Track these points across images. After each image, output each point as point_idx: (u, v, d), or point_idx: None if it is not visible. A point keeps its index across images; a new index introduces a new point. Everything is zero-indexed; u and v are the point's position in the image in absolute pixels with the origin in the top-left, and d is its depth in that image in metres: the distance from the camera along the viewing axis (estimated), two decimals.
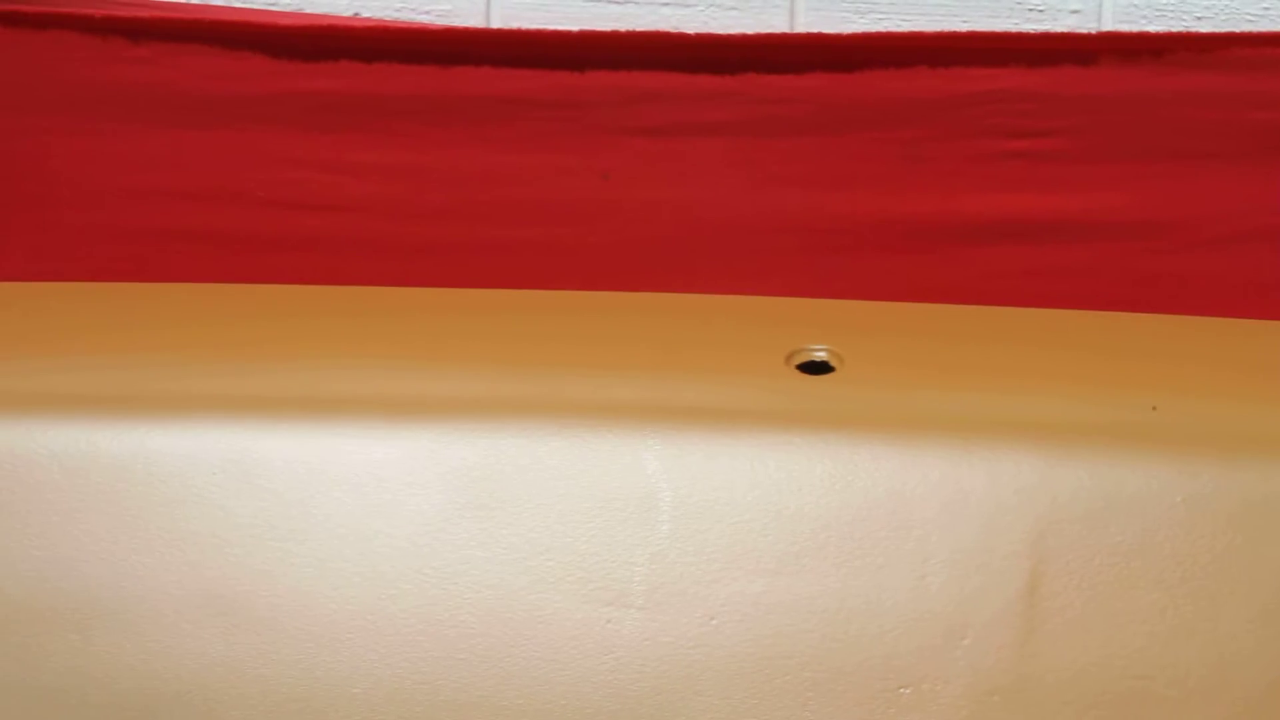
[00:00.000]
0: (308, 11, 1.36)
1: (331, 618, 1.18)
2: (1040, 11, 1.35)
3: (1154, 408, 1.16)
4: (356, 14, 1.35)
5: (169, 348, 1.30)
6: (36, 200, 1.32)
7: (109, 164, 1.33)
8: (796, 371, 1.21)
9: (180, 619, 1.20)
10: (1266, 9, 1.34)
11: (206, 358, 1.28)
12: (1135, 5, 1.36)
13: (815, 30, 1.26)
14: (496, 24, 1.34)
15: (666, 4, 1.34)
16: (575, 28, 1.30)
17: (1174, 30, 1.33)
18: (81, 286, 1.34)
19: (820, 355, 1.22)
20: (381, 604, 1.18)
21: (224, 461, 1.23)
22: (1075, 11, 1.35)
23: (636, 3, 1.34)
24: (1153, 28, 1.34)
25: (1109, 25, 1.35)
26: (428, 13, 1.38)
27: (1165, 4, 1.36)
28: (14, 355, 1.30)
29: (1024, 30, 1.31)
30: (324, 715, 1.17)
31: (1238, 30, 1.32)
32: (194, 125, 1.30)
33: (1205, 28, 1.33)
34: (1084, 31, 1.32)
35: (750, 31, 1.25)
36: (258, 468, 1.23)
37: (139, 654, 1.20)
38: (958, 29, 1.26)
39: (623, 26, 1.30)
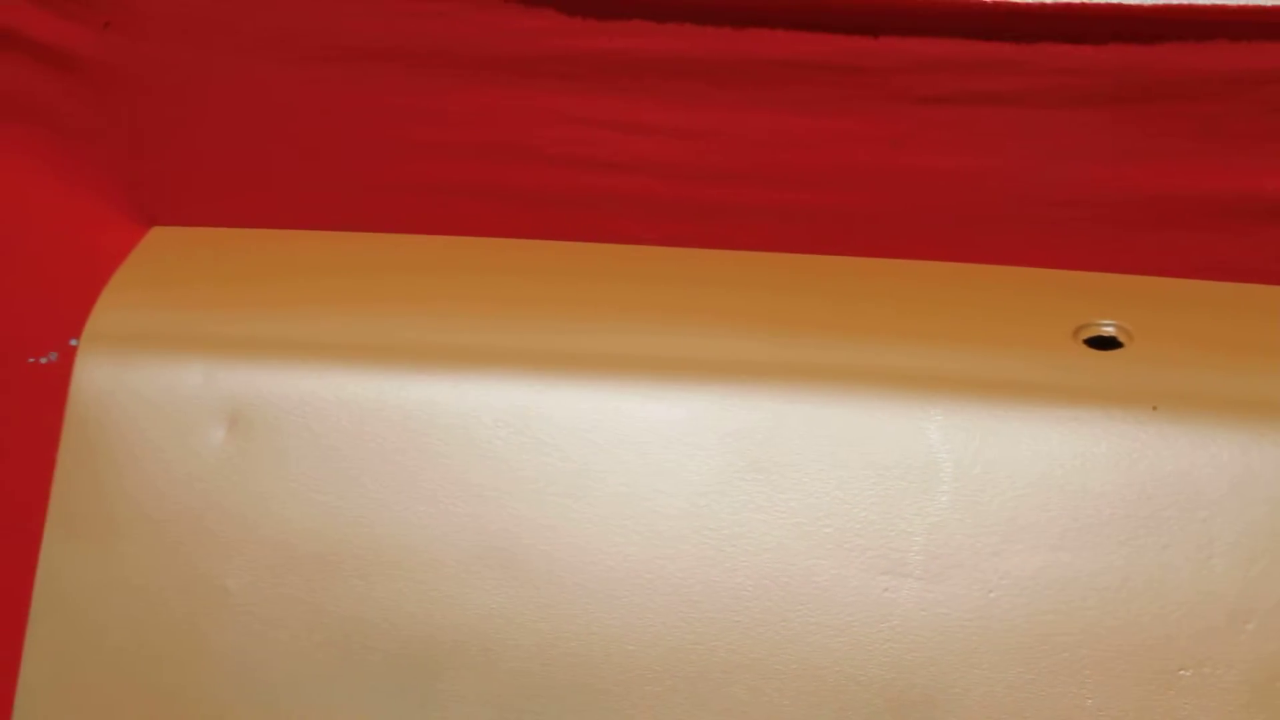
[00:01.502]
0: None
1: (609, 575, 1.19)
2: None
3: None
4: None
5: (455, 301, 1.31)
6: (327, 151, 1.34)
7: (397, 117, 1.34)
8: (1084, 346, 1.20)
9: (460, 570, 1.22)
10: None
11: (492, 312, 1.30)
12: None
13: (1112, 1, 1.24)
14: None
15: None
16: None
17: None
18: (371, 237, 1.36)
19: (1109, 330, 1.20)
20: (659, 563, 1.19)
21: (507, 416, 1.25)
22: None
23: None
24: None
25: None
26: None
27: None
28: (308, 303, 1.32)
29: None
30: (599, 670, 1.18)
31: None
32: (484, 81, 1.31)
33: None
34: None
35: (1047, 1, 1.23)
36: (540, 423, 1.24)
37: (419, 602, 1.22)
38: (1259, 1, 1.22)
39: None
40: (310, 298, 1.33)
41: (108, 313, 1.33)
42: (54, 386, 1.31)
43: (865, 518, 1.17)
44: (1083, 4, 1.19)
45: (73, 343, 1.31)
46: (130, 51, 1.35)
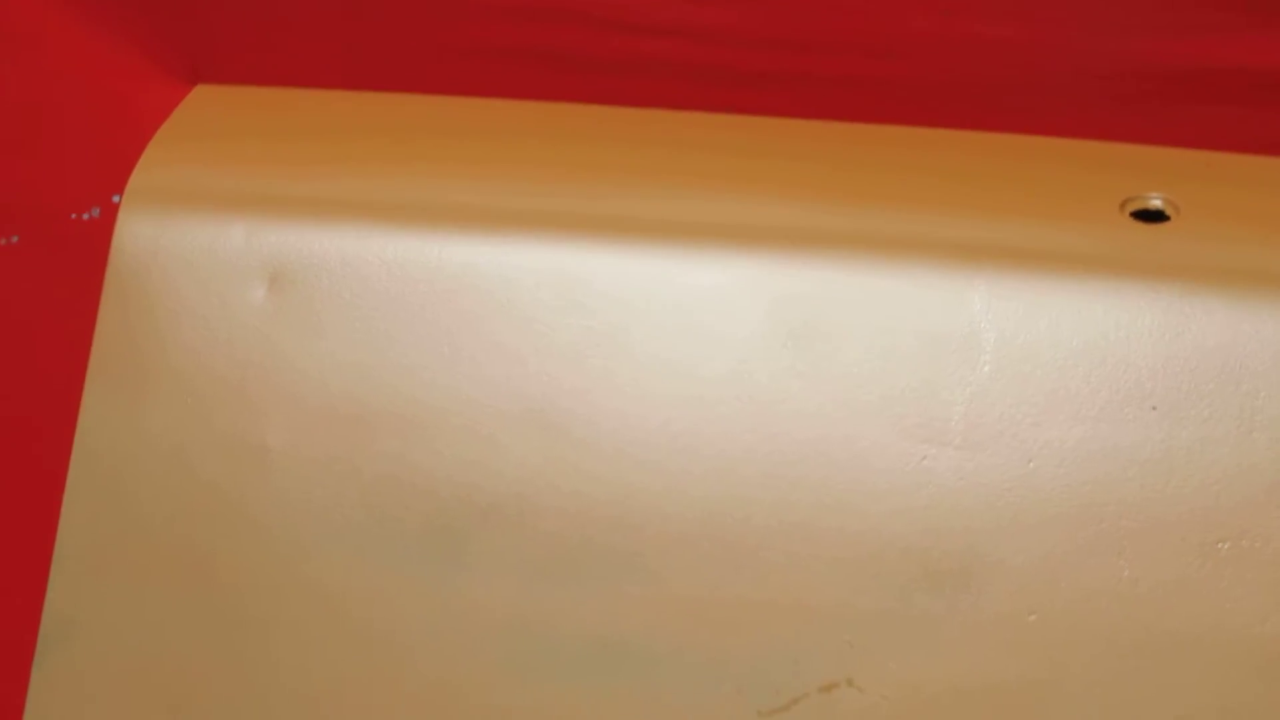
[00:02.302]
0: None
1: (649, 439, 1.19)
2: None
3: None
4: None
5: (499, 163, 1.31)
6: (374, 12, 1.33)
7: None
8: (1131, 219, 1.19)
9: (497, 431, 1.22)
10: None
11: (536, 176, 1.29)
12: None
13: None
14: None
15: None
16: None
17: None
18: (416, 99, 1.35)
19: (1156, 204, 1.20)
20: (699, 427, 1.18)
21: (548, 279, 1.24)
22: None
23: None
24: None
25: None
26: None
27: None
28: (351, 164, 1.32)
29: None
30: (638, 532, 1.18)
31: None
32: None
33: None
34: None
35: None
36: (582, 287, 1.24)
37: (457, 462, 1.22)
38: None
39: None
40: (353, 158, 1.33)
41: (150, 170, 1.33)
42: (96, 243, 1.30)
43: (906, 386, 1.17)
44: None
45: (115, 199, 1.31)
46: None
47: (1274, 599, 1.07)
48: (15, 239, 1.32)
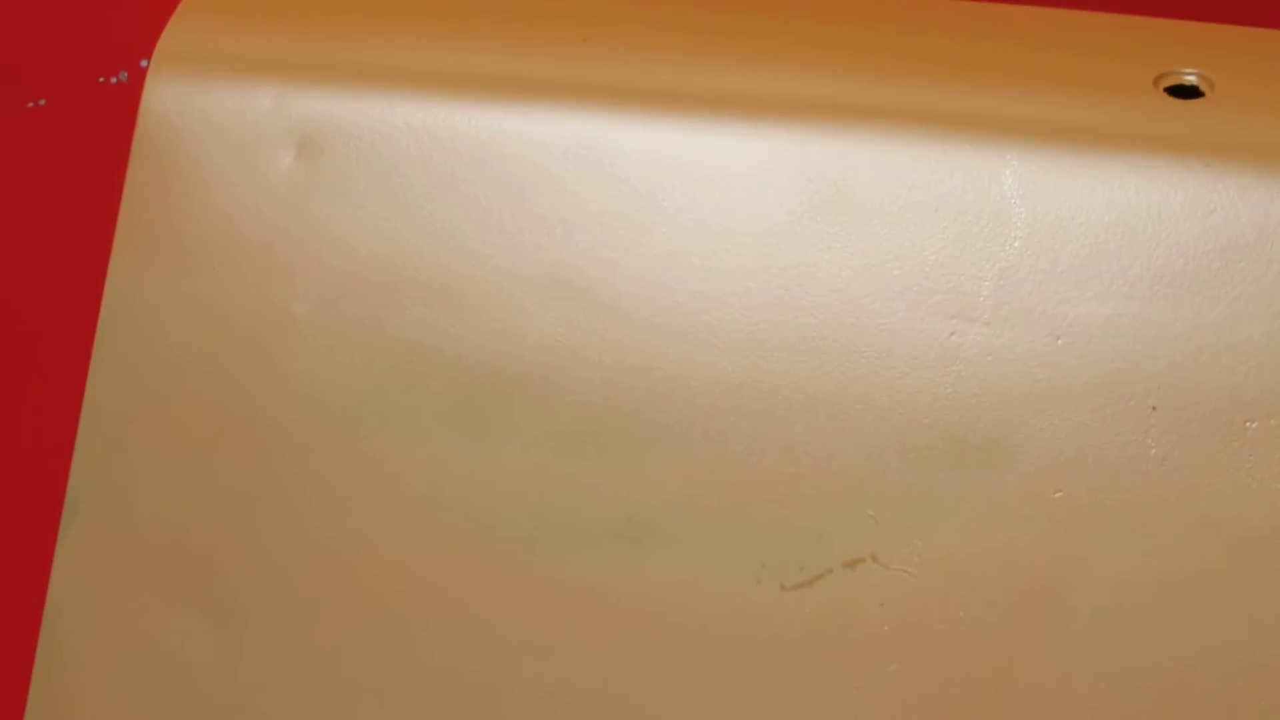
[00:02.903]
0: None
1: (675, 310, 1.19)
2: None
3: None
4: None
5: (531, 32, 1.30)
6: None
7: None
8: (1164, 95, 1.18)
9: (525, 300, 1.22)
10: None
11: (567, 44, 1.29)
12: None
13: None
14: None
15: None
16: None
17: None
18: None
19: (1190, 79, 1.18)
20: (726, 300, 1.18)
21: (578, 148, 1.24)
22: None
23: None
24: None
25: None
26: None
27: None
28: (383, 30, 1.32)
29: None
30: (661, 405, 1.18)
31: None
32: None
33: None
34: None
35: None
36: (611, 156, 1.23)
37: (483, 332, 1.22)
38: None
39: None
40: (385, 24, 1.32)
41: (178, 34, 1.32)
42: (124, 106, 1.30)
43: (935, 261, 1.16)
44: None
45: (143, 64, 1.30)
46: None
47: None
48: (42, 102, 1.32)
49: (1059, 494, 1.09)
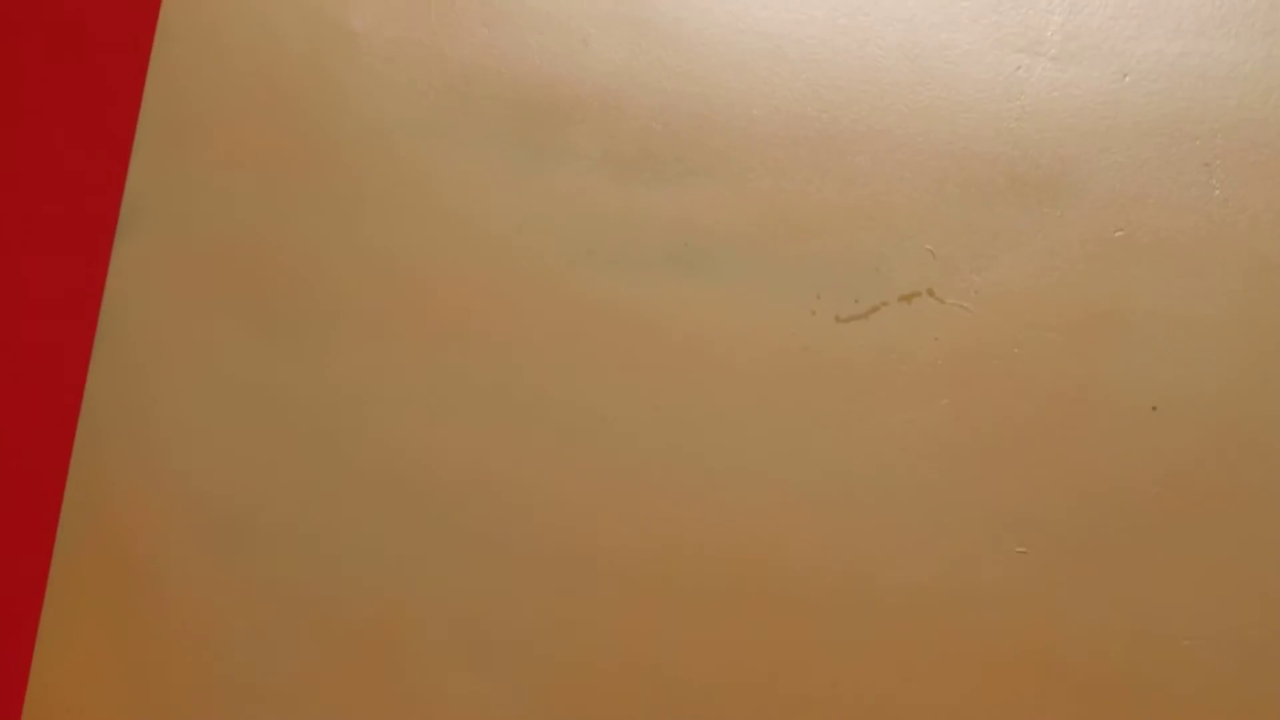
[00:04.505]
0: None
1: (738, 38, 1.17)
2: None
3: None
4: None
5: None
6: None
7: None
8: None
9: (587, 24, 1.21)
10: None
11: None
12: None
13: None
14: None
15: None
16: None
17: None
18: None
19: None
20: (789, 28, 1.17)
21: None
22: None
23: None
24: None
25: None
26: None
27: None
28: None
29: None
30: (721, 132, 1.18)
31: None
32: None
33: None
34: None
35: None
36: None
37: (544, 55, 1.21)
38: None
39: None
40: None
41: None
42: None
43: None
44: None
45: None
46: None
47: None
48: None
49: (1119, 232, 1.08)
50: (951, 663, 1.07)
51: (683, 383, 1.15)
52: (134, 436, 1.28)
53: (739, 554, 1.12)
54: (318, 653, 1.21)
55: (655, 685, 1.13)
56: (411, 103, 1.23)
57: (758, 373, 1.14)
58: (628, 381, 1.16)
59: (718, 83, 1.17)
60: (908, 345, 1.11)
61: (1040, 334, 1.09)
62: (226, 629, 1.24)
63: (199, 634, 1.24)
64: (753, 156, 1.16)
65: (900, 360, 1.11)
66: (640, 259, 1.17)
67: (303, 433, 1.24)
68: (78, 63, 1.32)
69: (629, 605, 1.14)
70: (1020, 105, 1.12)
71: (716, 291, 1.15)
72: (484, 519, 1.18)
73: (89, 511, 1.28)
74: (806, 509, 1.11)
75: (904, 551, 1.09)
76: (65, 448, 1.28)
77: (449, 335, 1.21)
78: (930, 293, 1.11)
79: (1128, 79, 1.10)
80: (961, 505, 1.09)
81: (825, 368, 1.12)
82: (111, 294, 1.30)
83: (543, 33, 1.21)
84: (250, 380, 1.26)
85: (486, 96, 1.21)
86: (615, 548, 1.15)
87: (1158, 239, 1.08)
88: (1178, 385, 1.06)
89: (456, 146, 1.22)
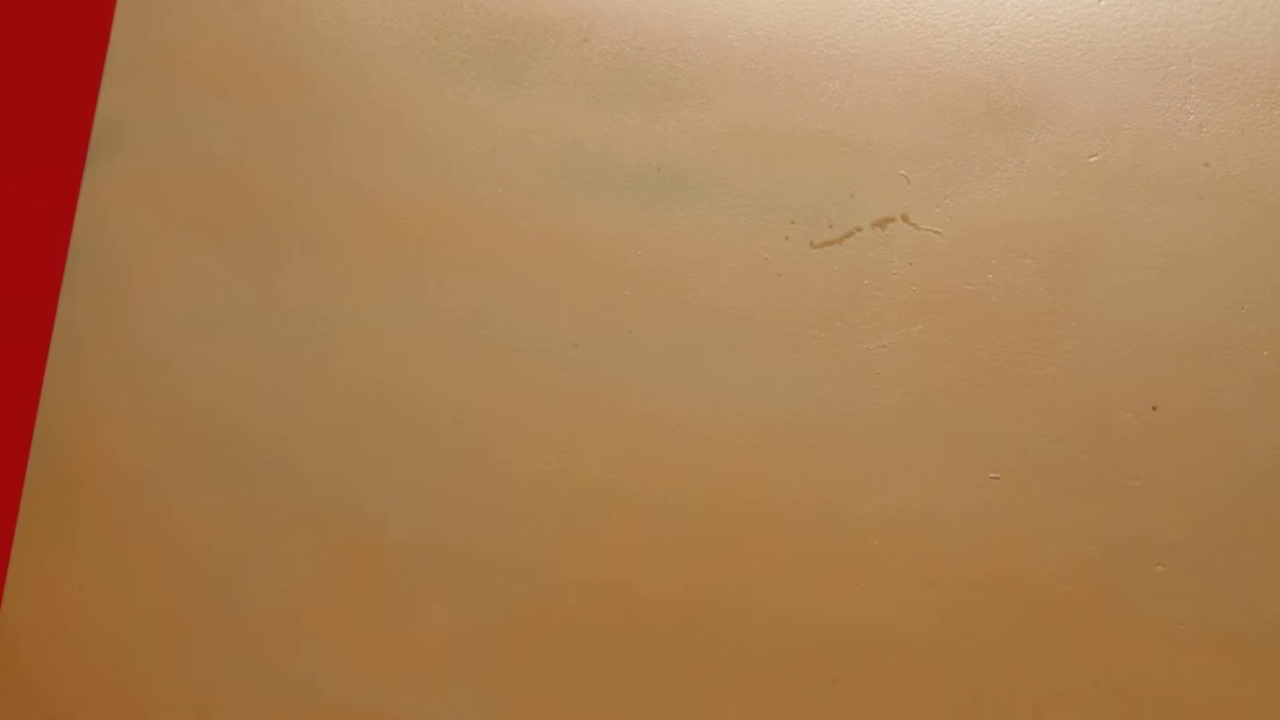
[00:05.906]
0: None
1: None
2: None
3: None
4: None
5: None
6: None
7: None
8: None
9: None
10: None
11: None
12: None
13: None
14: None
15: None
16: None
17: None
18: None
19: None
20: None
21: None
22: None
23: None
24: None
25: None
26: None
27: None
28: None
29: None
30: (696, 56, 1.17)
31: None
32: None
33: None
34: None
35: None
36: None
37: None
38: None
39: None
40: None
41: None
42: None
43: None
44: None
45: None
46: None
47: None
48: None
49: (1094, 158, 1.08)
50: (923, 585, 1.08)
51: (656, 308, 1.15)
52: (109, 351, 1.28)
53: (712, 479, 1.12)
54: (295, 575, 1.21)
55: (630, 607, 1.13)
56: (384, 28, 1.23)
57: (731, 298, 1.13)
58: (600, 306, 1.16)
59: (691, 7, 1.17)
60: (882, 271, 1.11)
61: (1014, 259, 1.08)
62: (203, 551, 1.24)
63: (175, 552, 1.24)
64: (726, 81, 1.15)
65: (874, 286, 1.11)
66: (613, 184, 1.16)
67: (278, 354, 1.24)
68: None
69: (602, 529, 1.14)
70: (995, 30, 1.11)
71: (690, 217, 1.14)
72: (457, 443, 1.18)
73: (65, 426, 1.28)
74: (780, 434, 1.11)
75: (876, 476, 1.09)
76: (39, 364, 1.27)
77: (421, 258, 1.20)
78: (904, 218, 1.11)
79: (1103, 3, 1.10)
80: (934, 431, 1.08)
81: (799, 293, 1.12)
82: (85, 213, 1.29)
83: None
84: (224, 300, 1.25)
85: (459, 21, 1.21)
86: (588, 473, 1.15)
87: (1132, 164, 1.08)
88: (1152, 310, 1.06)
89: (428, 72, 1.21)
